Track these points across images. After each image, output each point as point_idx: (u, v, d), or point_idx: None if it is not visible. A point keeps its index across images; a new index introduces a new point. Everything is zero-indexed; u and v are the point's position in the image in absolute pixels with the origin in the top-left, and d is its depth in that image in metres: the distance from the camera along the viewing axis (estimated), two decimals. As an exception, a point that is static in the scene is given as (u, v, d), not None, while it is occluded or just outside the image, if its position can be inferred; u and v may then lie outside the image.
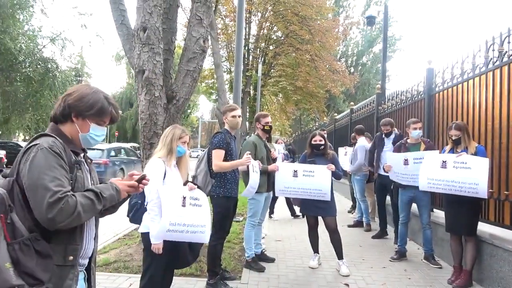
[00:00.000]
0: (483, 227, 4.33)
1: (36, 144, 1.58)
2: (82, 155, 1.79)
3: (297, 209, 8.25)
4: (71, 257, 1.61)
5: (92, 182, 1.81)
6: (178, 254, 2.93)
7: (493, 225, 4.34)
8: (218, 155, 3.87)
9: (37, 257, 1.48)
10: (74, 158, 1.67)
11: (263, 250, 5.10)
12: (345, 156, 7.24)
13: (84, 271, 1.79)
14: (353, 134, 7.92)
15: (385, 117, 7.77)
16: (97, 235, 1.85)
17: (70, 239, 1.62)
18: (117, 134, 41.72)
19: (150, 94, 4.69)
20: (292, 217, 7.88)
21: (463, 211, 4.13)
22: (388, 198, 6.35)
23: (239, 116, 4.11)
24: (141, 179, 1.81)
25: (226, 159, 3.92)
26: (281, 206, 8.43)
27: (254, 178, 4.07)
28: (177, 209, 2.67)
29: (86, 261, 1.78)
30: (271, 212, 7.81)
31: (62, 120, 1.72)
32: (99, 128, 1.77)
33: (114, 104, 1.80)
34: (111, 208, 1.79)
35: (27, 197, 1.51)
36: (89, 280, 1.84)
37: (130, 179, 1.81)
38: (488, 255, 4.09)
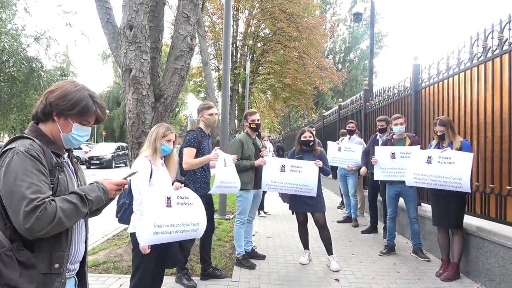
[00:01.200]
0: (469, 220, 4.41)
1: (12, 148, 1.48)
2: (66, 155, 1.71)
3: (270, 207, 8.29)
4: (57, 265, 1.52)
5: (78, 183, 1.73)
6: (168, 253, 2.92)
7: (479, 218, 4.42)
8: (188, 153, 3.90)
9: (20, 268, 1.40)
10: (55, 160, 1.57)
11: (254, 248, 5.11)
12: (338, 152, 7.03)
13: (75, 276, 1.71)
14: (344, 130, 7.93)
15: (372, 113, 7.85)
16: (87, 238, 1.78)
17: (55, 246, 1.53)
18: (104, 133, 41.31)
19: (138, 93, 4.65)
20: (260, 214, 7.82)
21: (450, 204, 4.20)
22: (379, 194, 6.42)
23: (215, 114, 4.13)
24: (127, 177, 1.75)
25: (197, 157, 3.93)
26: (271, 201, 8.45)
27: (225, 172, 4.01)
28: (161, 211, 2.63)
29: (76, 266, 1.70)
30: (260, 209, 7.82)
31: (43, 119, 1.62)
32: (82, 128, 1.67)
33: (99, 103, 1.69)
34: (95, 211, 1.69)
35: (5, 205, 1.42)
36: (82, 284, 1.77)
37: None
38: (474, 247, 4.16)
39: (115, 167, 23.71)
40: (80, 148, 24.40)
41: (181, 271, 4.01)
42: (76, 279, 1.73)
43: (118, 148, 25.14)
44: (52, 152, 1.59)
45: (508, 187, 3.91)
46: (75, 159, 1.78)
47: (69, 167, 1.71)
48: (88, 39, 27.15)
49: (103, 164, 22.80)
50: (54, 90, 1.62)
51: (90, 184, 1.65)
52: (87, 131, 1.70)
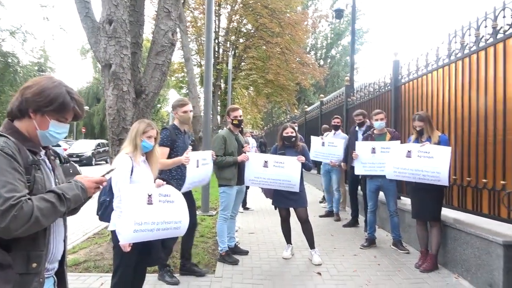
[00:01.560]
0: (447, 213, 4.53)
1: None
2: (43, 152, 1.67)
3: (252, 202, 8.33)
4: (34, 264, 1.50)
5: (57, 181, 1.69)
6: (150, 251, 2.90)
7: (456, 210, 4.54)
8: (161, 152, 3.74)
9: None
10: (31, 158, 1.54)
11: (237, 243, 5.12)
12: (322, 147, 7.04)
13: (54, 276, 1.69)
14: (326, 126, 7.99)
15: (354, 108, 7.95)
16: (66, 236, 1.75)
17: (33, 246, 1.50)
18: (84, 130, 40.48)
19: (118, 89, 4.58)
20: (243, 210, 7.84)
21: (428, 198, 4.30)
22: (359, 188, 6.51)
23: (190, 111, 4.06)
24: (105, 174, 1.73)
25: (170, 156, 3.86)
26: (254, 197, 8.48)
27: (197, 173, 3.98)
28: (142, 208, 2.60)
29: (55, 265, 1.67)
30: (243, 204, 7.83)
31: (19, 115, 1.58)
32: (60, 125, 1.63)
33: (78, 100, 1.66)
34: (72, 210, 1.67)
35: None
36: (61, 284, 1.75)
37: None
38: (452, 239, 4.28)
39: (95, 164, 23.25)
40: (59, 146, 23.90)
41: (163, 268, 3.99)
42: (55, 278, 1.70)
43: (98, 145, 24.73)
44: (28, 150, 1.55)
45: (484, 180, 4.02)
46: (52, 157, 1.74)
47: (46, 165, 1.67)
48: (67, 34, 26.56)
49: (82, 161, 22.17)
50: (30, 86, 1.59)
51: (68, 182, 1.62)
52: (65, 128, 1.66)
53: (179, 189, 3.86)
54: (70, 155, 22.03)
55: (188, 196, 4.09)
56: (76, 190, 1.58)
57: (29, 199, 1.43)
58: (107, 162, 24.94)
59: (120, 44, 4.55)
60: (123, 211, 2.60)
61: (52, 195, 1.50)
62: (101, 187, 1.74)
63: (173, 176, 3.97)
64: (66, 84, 1.66)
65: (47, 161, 1.69)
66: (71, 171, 10.99)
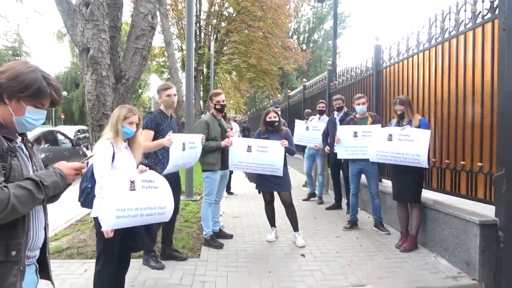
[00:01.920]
0: (427, 194, 4.64)
1: None
2: (20, 139, 1.64)
3: (236, 187, 8.37)
4: (14, 252, 1.48)
5: (34, 168, 1.66)
6: (133, 237, 2.88)
7: (436, 191, 4.66)
8: (145, 135, 3.79)
9: None
10: (6, 145, 1.50)
11: (221, 227, 5.15)
12: (306, 131, 7.08)
13: (36, 263, 1.68)
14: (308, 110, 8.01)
15: (337, 93, 8.00)
16: (47, 224, 1.73)
17: (12, 234, 1.49)
18: (63, 116, 39.59)
19: (97, 74, 4.48)
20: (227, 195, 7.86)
21: (408, 180, 4.39)
22: (341, 172, 6.59)
23: (174, 95, 4.04)
24: (84, 160, 1.70)
25: (157, 139, 3.85)
26: (238, 182, 8.51)
27: (182, 156, 3.96)
28: (124, 194, 2.58)
29: (36, 253, 1.66)
30: (227, 189, 7.86)
31: None
32: (36, 111, 1.60)
33: (55, 85, 1.62)
34: (52, 198, 1.65)
35: None
36: (44, 271, 1.74)
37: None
38: (431, 219, 4.40)
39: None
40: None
41: (148, 254, 3.99)
42: (37, 265, 1.69)
43: (78, 131, 24.16)
44: (3, 137, 1.51)
45: (462, 162, 4.13)
46: (29, 144, 1.70)
47: (23, 152, 1.63)
48: (42, 17, 25.62)
49: None
50: (4, 71, 1.54)
51: (46, 169, 1.59)
52: (42, 114, 1.63)
53: (169, 172, 3.86)
54: None
55: (175, 182, 4.09)
56: (54, 177, 1.55)
57: (5, 186, 1.40)
58: (87, 149, 24.48)
59: (98, 28, 4.42)
60: (105, 197, 2.57)
61: (30, 182, 1.48)
62: (82, 174, 1.72)
63: (159, 160, 3.95)
64: (42, 69, 1.62)
65: (24, 148, 1.65)
66: (81, 153, 10.86)
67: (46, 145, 9.63)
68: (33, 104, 1.57)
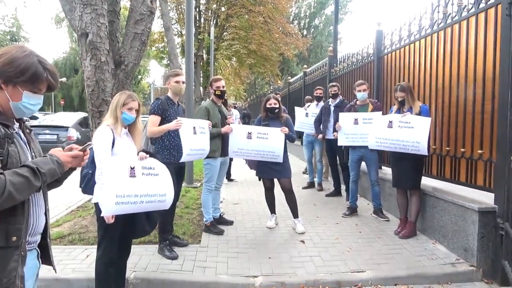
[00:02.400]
0: (426, 181, 4.65)
1: None
2: (17, 125, 1.63)
3: (237, 174, 8.39)
4: (14, 238, 1.50)
5: (33, 154, 1.66)
6: (134, 223, 2.90)
7: (435, 179, 4.67)
8: (151, 121, 3.86)
9: None
10: (3, 131, 1.50)
11: (222, 214, 5.18)
12: (306, 118, 7.08)
13: (37, 248, 1.69)
14: (309, 97, 7.98)
15: (337, 79, 7.96)
16: (47, 209, 1.73)
17: (12, 220, 1.49)
18: (62, 102, 39.45)
19: (96, 59, 4.44)
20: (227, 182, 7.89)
21: (408, 167, 4.40)
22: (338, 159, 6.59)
23: (183, 82, 4.03)
24: (85, 149, 1.68)
25: (162, 125, 3.87)
26: (238, 169, 8.53)
27: (195, 140, 3.96)
28: (124, 181, 2.59)
29: (37, 238, 1.67)
30: (227, 176, 7.88)
31: None
32: (33, 96, 1.58)
33: (51, 70, 1.60)
34: (55, 183, 1.67)
35: None
36: (46, 256, 1.75)
37: (69, 149, 1.68)
38: (430, 206, 4.42)
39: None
40: (35, 118, 23.14)
41: (162, 242, 3.99)
42: (38, 251, 1.70)
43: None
44: (0, 123, 1.51)
45: (462, 150, 4.13)
46: (27, 130, 1.69)
47: (21, 138, 1.63)
48: (39, 1, 25.27)
49: None
50: None
51: (44, 156, 1.59)
52: (39, 99, 1.62)
53: (172, 159, 3.87)
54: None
55: (180, 170, 4.10)
56: (51, 164, 1.55)
57: (1, 173, 1.40)
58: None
59: (97, 12, 4.37)
60: (104, 184, 2.58)
61: (26, 169, 1.47)
62: (81, 161, 1.71)
63: (165, 145, 3.95)
64: (38, 53, 1.60)
65: (22, 134, 1.65)
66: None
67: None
68: (29, 89, 1.56)
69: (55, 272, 1.84)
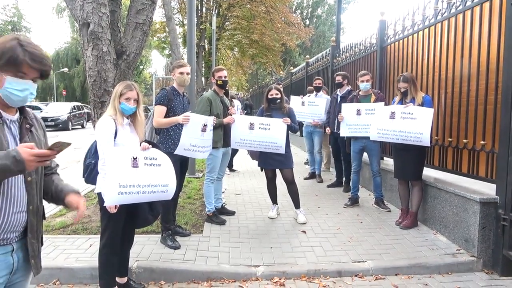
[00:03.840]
0: (428, 172, 4.66)
1: None
2: (15, 117, 1.61)
3: (239, 164, 8.40)
4: None
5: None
6: (137, 213, 2.92)
7: (437, 169, 4.67)
8: (158, 111, 3.89)
9: None
10: None
11: (224, 204, 5.20)
12: (302, 106, 7.05)
13: (13, 244, 1.62)
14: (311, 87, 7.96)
15: (340, 69, 7.91)
16: (36, 207, 1.68)
17: None
18: (64, 93, 39.45)
19: (98, 49, 4.42)
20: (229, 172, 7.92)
21: (410, 158, 4.40)
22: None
23: (187, 73, 4.03)
24: (54, 147, 1.49)
25: (168, 115, 3.91)
26: (240, 159, 8.54)
27: (200, 138, 4.00)
28: (126, 171, 2.59)
29: (12, 235, 1.61)
30: (229, 166, 7.89)
31: None
32: (17, 81, 1.52)
33: (32, 52, 1.52)
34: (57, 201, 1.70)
35: None
36: (29, 251, 1.68)
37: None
38: (432, 197, 4.43)
39: (72, 128, 22.15)
40: (39, 109, 23.01)
41: (165, 232, 4.02)
42: (14, 246, 1.64)
43: (74, 108, 23.33)
44: None
45: (465, 141, 4.12)
46: (27, 125, 1.65)
47: (11, 130, 1.59)
48: (40, -9, 25.05)
49: (59, 125, 20.88)
50: None
51: (7, 150, 1.49)
52: (25, 84, 1.55)
53: (176, 149, 3.88)
54: (45, 119, 20.06)
55: (183, 161, 4.12)
56: (4, 160, 1.42)
57: None
58: (83, 127, 24.10)
59: (98, 2, 4.34)
60: (107, 174, 2.59)
61: None
62: (46, 162, 1.58)
63: (170, 136, 3.98)
64: (24, 37, 1.56)
65: (15, 126, 1.62)
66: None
67: None
68: (12, 74, 1.51)
69: (33, 275, 1.75)
